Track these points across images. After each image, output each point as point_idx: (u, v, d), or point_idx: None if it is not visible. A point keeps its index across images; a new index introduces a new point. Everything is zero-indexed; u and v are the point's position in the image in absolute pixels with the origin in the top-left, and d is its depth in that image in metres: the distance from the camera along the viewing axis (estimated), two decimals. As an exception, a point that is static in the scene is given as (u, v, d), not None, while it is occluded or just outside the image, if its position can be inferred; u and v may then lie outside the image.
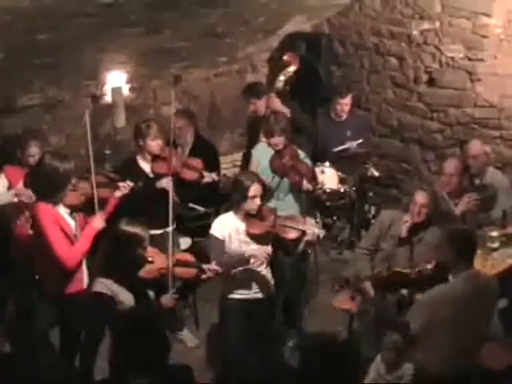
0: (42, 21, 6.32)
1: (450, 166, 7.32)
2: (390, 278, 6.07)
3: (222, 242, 6.04)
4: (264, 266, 6.19)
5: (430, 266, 5.84)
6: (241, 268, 6.04)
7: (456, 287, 5.24)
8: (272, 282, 6.34)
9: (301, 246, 6.41)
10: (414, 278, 5.85)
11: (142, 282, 5.58)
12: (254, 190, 6.01)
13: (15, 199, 6.43)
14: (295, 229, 6.28)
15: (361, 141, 8.63)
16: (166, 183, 6.76)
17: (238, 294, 6.17)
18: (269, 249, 6.03)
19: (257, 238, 6.08)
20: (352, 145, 8.61)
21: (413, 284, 5.93)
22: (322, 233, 6.48)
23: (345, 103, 8.83)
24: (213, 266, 5.97)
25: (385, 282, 6.08)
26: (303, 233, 6.31)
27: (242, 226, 6.08)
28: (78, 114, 8.01)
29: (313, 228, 6.44)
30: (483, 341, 5.50)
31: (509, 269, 6.66)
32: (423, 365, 5.34)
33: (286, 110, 8.06)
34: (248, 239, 6.08)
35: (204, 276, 6.02)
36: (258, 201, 6.05)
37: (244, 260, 5.99)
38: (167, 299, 5.79)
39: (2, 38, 6.33)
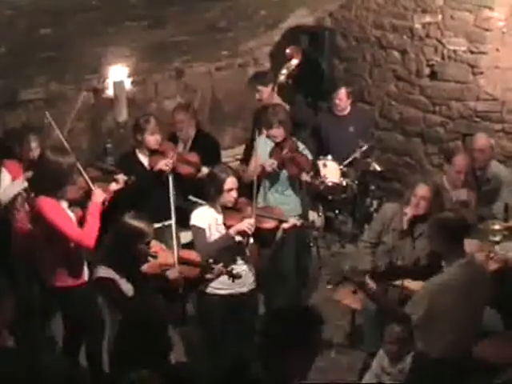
0: (44, 15, 6.32)
1: (461, 163, 7.32)
2: (388, 271, 6.06)
3: (204, 230, 6.01)
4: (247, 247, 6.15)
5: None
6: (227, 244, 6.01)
7: (454, 275, 5.24)
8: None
9: (278, 235, 6.37)
10: (411, 268, 5.84)
11: (143, 276, 5.58)
12: (230, 183, 5.99)
13: (25, 185, 6.45)
14: (271, 218, 6.28)
15: (366, 147, 8.61)
16: (164, 164, 6.82)
17: (222, 290, 6.11)
18: (252, 221, 6.00)
19: None
20: (358, 153, 8.59)
21: (410, 275, 5.92)
22: (299, 221, 6.48)
23: (339, 97, 8.83)
24: (219, 266, 5.99)
25: (383, 274, 6.06)
26: (280, 222, 6.30)
27: (220, 217, 6.06)
28: (80, 108, 8.02)
29: (289, 217, 6.41)
30: (480, 325, 5.53)
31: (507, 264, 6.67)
32: (424, 351, 5.37)
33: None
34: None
35: (209, 276, 6.03)
36: (234, 193, 6.03)
37: (229, 238, 5.97)
38: (173, 272, 5.79)
39: (4, 32, 6.33)
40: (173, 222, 6.49)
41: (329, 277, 8.08)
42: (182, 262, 5.96)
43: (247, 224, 5.97)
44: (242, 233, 6.01)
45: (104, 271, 5.37)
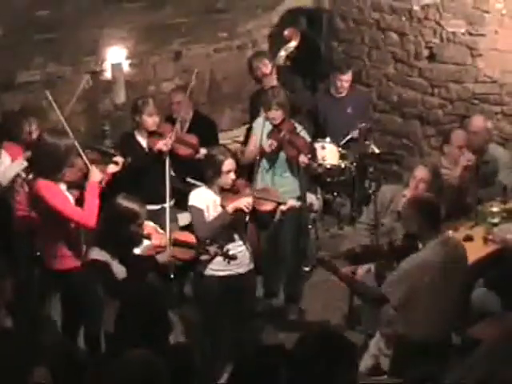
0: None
1: (460, 136, 7.30)
2: (362, 252, 6.00)
3: (202, 210, 5.98)
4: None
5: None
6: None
7: (431, 254, 5.27)
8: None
9: (277, 217, 6.37)
10: (385, 250, 5.80)
11: (136, 258, 5.57)
12: (228, 164, 5.97)
13: (24, 164, 6.46)
14: (270, 200, 6.26)
15: (363, 125, 8.55)
16: (163, 144, 6.80)
17: (220, 271, 6.10)
18: (250, 199, 5.99)
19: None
20: (355, 133, 8.54)
21: (384, 256, 5.88)
22: (297, 203, 6.47)
23: (345, 79, 8.77)
24: (214, 248, 5.99)
25: (357, 256, 5.98)
26: (278, 204, 6.28)
27: (218, 199, 6.05)
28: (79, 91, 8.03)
29: (287, 199, 6.40)
30: (464, 305, 5.57)
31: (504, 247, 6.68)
32: (405, 334, 5.36)
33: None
34: None
35: (204, 257, 6.03)
36: (232, 175, 6.01)
37: (226, 215, 5.95)
38: (162, 256, 5.79)
39: (2, 14, 6.31)
40: (167, 205, 6.49)
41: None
42: (177, 243, 5.97)
43: (245, 202, 5.97)
44: (240, 211, 6.01)
45: (97, 253, 5.37)
